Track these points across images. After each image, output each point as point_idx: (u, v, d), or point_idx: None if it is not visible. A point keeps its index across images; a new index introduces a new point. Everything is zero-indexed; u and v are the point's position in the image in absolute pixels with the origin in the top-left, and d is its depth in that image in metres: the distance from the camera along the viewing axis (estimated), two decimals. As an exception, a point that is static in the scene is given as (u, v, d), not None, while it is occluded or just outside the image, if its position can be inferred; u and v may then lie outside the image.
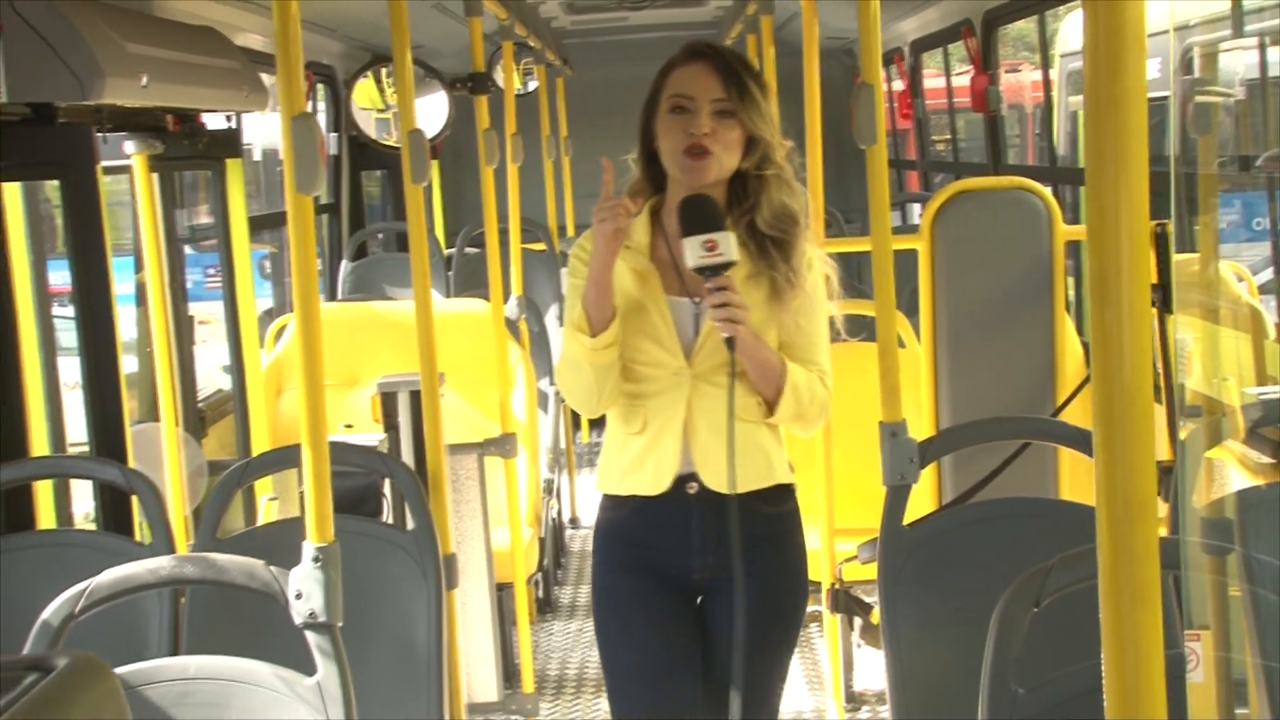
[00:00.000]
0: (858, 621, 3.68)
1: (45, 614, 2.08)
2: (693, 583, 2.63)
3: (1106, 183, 0.90)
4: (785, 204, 2.58)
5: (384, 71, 6.79)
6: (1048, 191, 3.91)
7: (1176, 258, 3.57)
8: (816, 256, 2.62)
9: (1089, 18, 0.91)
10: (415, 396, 3.67)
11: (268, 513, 4.11)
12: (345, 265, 7.23)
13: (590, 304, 2.53)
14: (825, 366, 2.61)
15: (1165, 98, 4.11)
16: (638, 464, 2.60)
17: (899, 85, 7.32)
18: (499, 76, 5.66)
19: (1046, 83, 5.94)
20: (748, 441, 2.52)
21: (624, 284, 2.57)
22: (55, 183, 3.55)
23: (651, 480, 2.58)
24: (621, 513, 2.65)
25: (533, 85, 7.72)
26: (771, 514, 2.61)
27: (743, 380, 2.51)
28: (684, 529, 2.59)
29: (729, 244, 2.41)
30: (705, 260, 2.39)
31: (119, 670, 2.10)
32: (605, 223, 2.46)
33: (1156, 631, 0.91)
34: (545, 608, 5.64)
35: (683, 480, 2.57)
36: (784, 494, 2.65)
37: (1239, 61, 3.65)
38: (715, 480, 2.53)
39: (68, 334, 3.67)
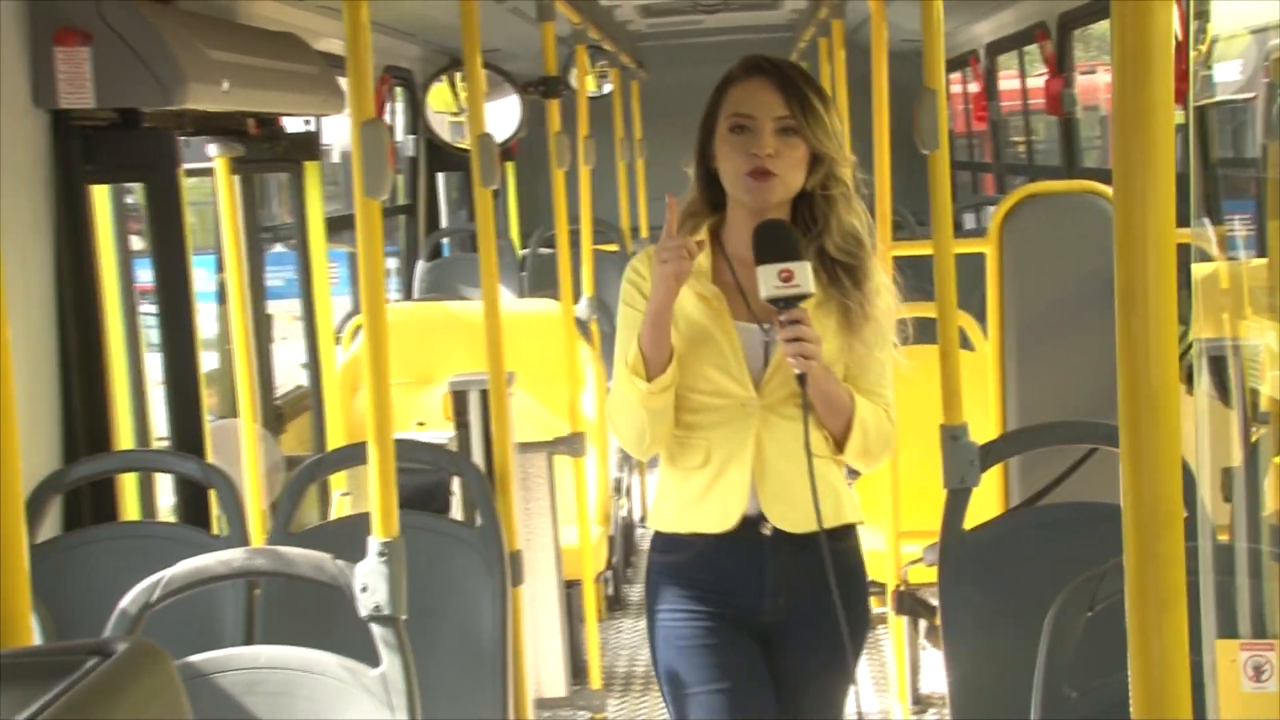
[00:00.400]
0: (923, 624, 3.67)
1: (123, 602, 2.12)
2: (761, 624, 2.45)
3: (1134, 193, 0.91)
4: (853, 225, 2.44)
5: (458, 75, 6.83)
6: (1106, 191, 3.86)
7: (1253, 263, 3.51)
8: (883, 281, 2.47)
9: (1116, 31, 0.91)
10: (485, 395, 3.71)
11: (340, 507, 4.17)
12: (421, 265, 7.30)
13: (647, 345, 2.38)
14: (890, 399, 2.47)
15: (1249, 99, 4.05)
16: (698, 500, 2.43)
17: (974, 88, 7.27)
18: (572, 79, 5.69)
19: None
20: (821, 479, 2.33)
21: (687, 309, 2.43)
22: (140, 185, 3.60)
23: (717, 518, 2.41)
24: (683, 554, 2.46)
25: (607, 88, 7.76)
26: (840, 549, 2.41)
27: (812, 415, 2.35)
28: (755, 570, 2.42)
29: (805, 274, 2.26)
30: (781, 291, 2.24)
31: (192, 658, 2.16)
32: (668, 264, 2.31)
33: (1182, 635, 0.92)
34: (614, 605, 5.66)
35: (751, 518, 2.41)
36: (850, 530, 2.50)
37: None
38: (784, 519, 2.39)
39: (155, 331, 3.74)
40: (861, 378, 2.43)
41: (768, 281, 2.25)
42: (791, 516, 2.37)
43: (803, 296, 2.26)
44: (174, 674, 0.85)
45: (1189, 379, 3.91)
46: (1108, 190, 3.88)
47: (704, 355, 2.41)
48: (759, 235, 2.31)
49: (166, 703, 0.84)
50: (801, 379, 2.26)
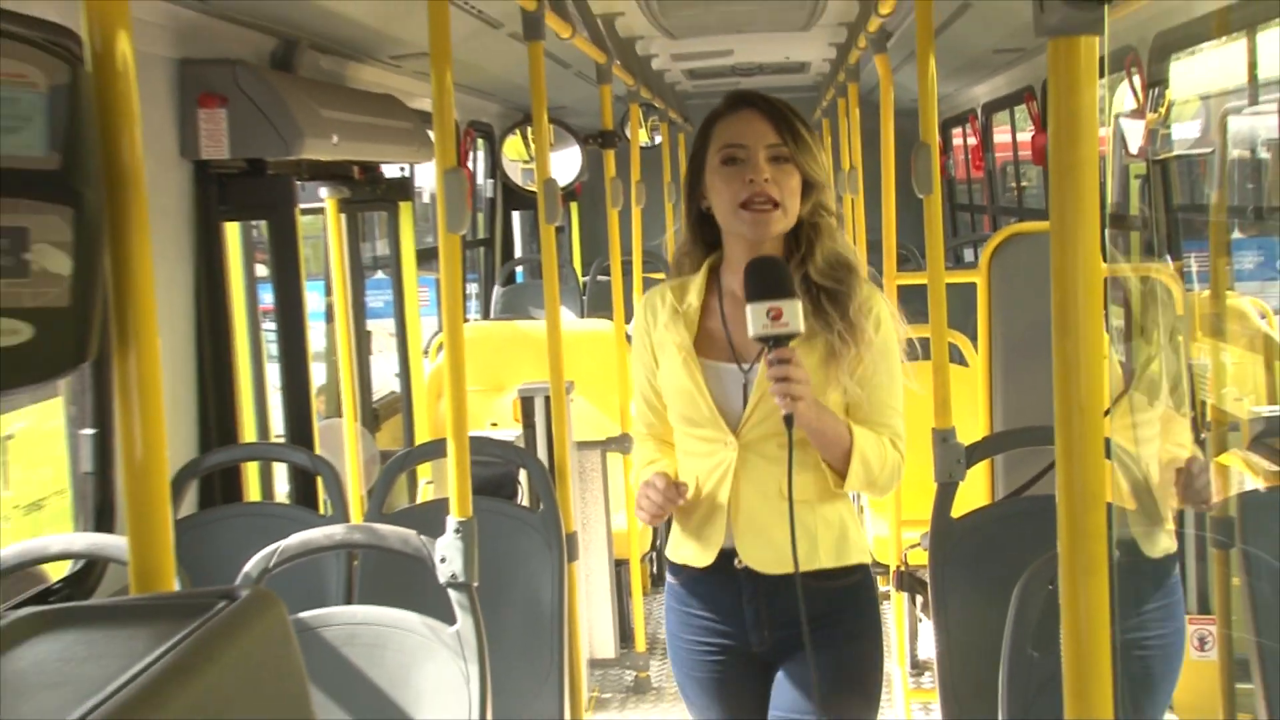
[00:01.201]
0: (919, 599, 3.67)
1: (246, 567, 2.15)
2: (755, 654, 2.18)
3: (1067, 234, 0.94)
4: (839, 251, 2.13)
5: (529, 129, 6.90)
6: None
7: (1204, 294, 3.52)
8: (886, 312, 2.15)
9: (1052, 102, 0.95)
10: (548, 401, 3.76)
11: (424, 493, 4.20)
12: (498, 290, 7.36)
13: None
14: (898, 428, 2.14)
15: (1207, 154, 4.04)
16: (693, 533, 2.17)
17: (974, 141, 7.24)
18: (627, 132, 5.74)
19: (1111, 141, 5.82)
20: (806, 521, 2.05)
21: (669, 356, 2.15)
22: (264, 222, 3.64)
23: (699, 552, 2.16)
24: (679, 579, 2.24)
25: (657, 140, 7.78)
26: (834, 588, 2.12)
27: (804, 451, 2.05)
28: (735, 605, 2.16)
29: (795, 313, 1.94)
30: (769, 330, 1.93)
31: (302, 615, 2.18)
32: (642, 512, 2.12)
33: (1103, 594, 0.95)
34: (657, 581, 5.64)
35: (728, 555, 2.13)
36: (855, 569, 2.16)
37: (1263, 124, 3.59)
38: (757, 559, 2.11)
39: (274, 345, 3.79)
40: (861, 408, 2.11)
41: (757, 320, 1.94)
42: (763, 558, 2.10)
43: (792, 335, 1.95)
44: (285, 615, 0.88)
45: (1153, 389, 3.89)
46: None
47: (684, 400, 2.15)
48: (750, 272, 2.00)
49: (279, 638, 0.87)
50: (788, 419, 1.95)
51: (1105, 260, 0.97)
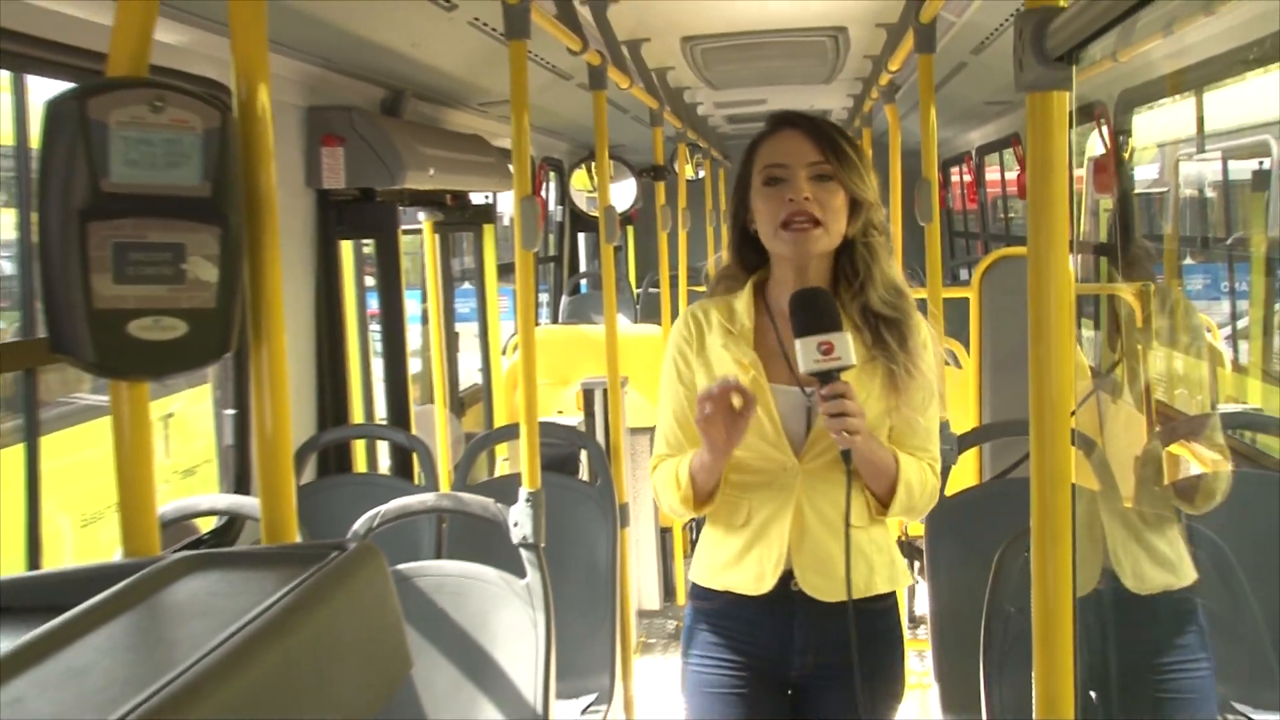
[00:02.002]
0: (916, 564, 3.64)
1: (355, 526, 2.18)
2: (789, 679, 1.82)
3: (1042, 257, 0.94)
4: (894, 276, 1.79)
5: (592, 163, 6.95)
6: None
7: (1155, 311, 3.54)
8: (930, 336, 1.81)
9: (1029, 146, 0.95)
10: (606, 393, 3.77)
11: (501, 468, 4.22)
12: (565, 299, 7.39)
13: (700, 482, 1.75)
14: (935, 453, 1.82)
15: (1163, 192, 4.05)
16: (736, 559, 1.79)
17: (969, 178, 7.19)
18: (675, 167, 5.74)
19: (1073, 178, 5.74)
20: (854, 547, 1.71)
21: (728, 373, 1.75)
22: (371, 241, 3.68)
23: (753, 580, 1.77)
24: (716, 605, 1.83)
25: (701, 174, 7.77)
26: (874, 612, 1.80)
27: (856, 478, 1.72)
28: (785, 631, 1.79)
29: (846, 346, 1.62)
30: (822, 365, 1.62)
31: (400, 566, 2.20)
32: (711, 428, 1.66)
33: (1068, 562, 0.95)
34: (695, 545, 5.64)
35: (785, 583, 1.77)
36: (887, 597, 1.83)
37: (1209, 168, 3.59)
38: (817, 588, 1.75)
39: (378, 343, 3.84)
40: (908, 436, 1.78)
41: (807, 355, 1.63)
42: (823, 586, 1.75)
43: (844, 369, 1.63)
44: (385, 564, 0.88)
45: (1116, 390, 3.87)
46: None
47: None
48: (796, 305, 1.67)
49: (379, 583, 0.87)
50: (846, 454, 1.66)
51: (1076, 280, 0.96)
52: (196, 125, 0.95)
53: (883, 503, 1.77)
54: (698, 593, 1.86)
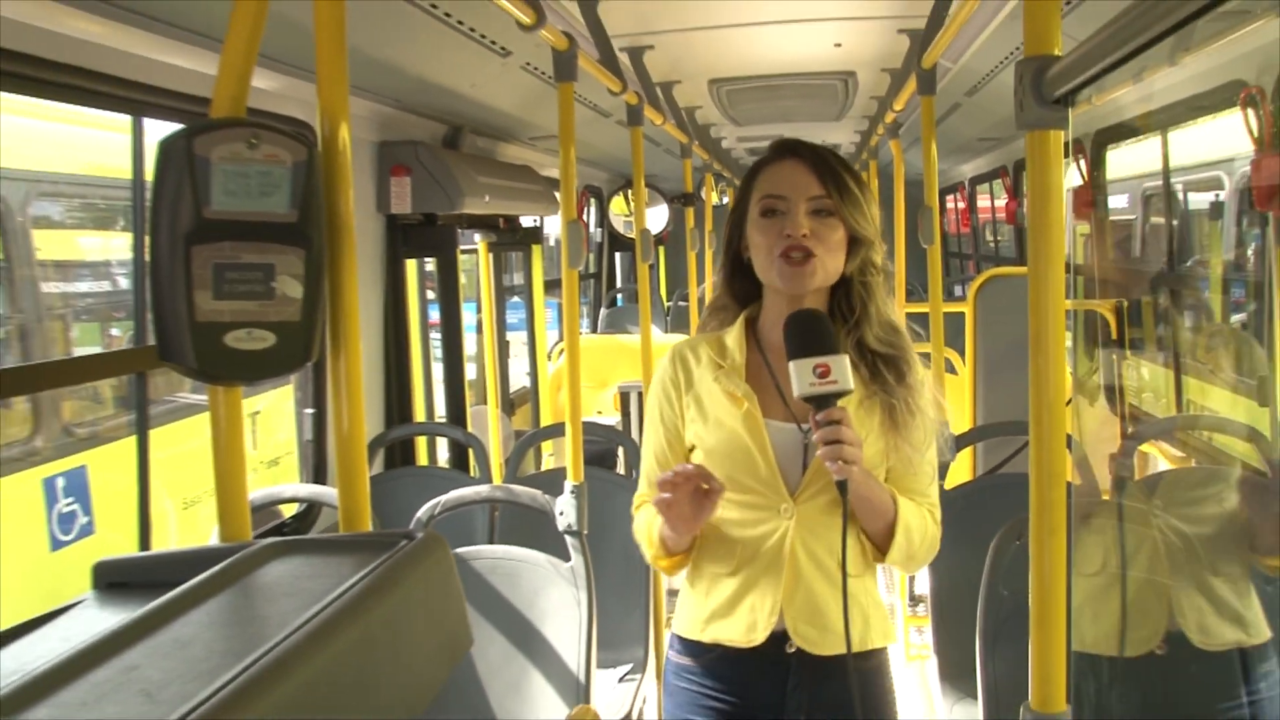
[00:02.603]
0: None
1: (418, 514, 2.16)
2: None
3: (1041, 276, 0.92)
4: (892, 314, 1.52)
5: (628, 191, 6.96)
6: None
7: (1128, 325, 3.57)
8: (924, 371, 1.53)
9: (1030, 179, 0.93)
10: (640, 395, 3.77)
11: (547, 463, 4.24)
12: (603, 312, 7.39)
13: (670, 545, 1.46)
14: (935, 499, 1.53)
15: (1130, 220, 4.08)
16: (726, 610, 1.47)
17: (962, 205, 7.15)
18: (702, 194, 5.73)
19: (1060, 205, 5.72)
20: (850, 597, 1.40)
21: (718, 411, 1.48)
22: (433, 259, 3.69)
23: (743, 631, 1.46)
24: (702, 660, 1.50)
25: (725, 200, 7.76)
26: (866, 668, 1.49)
27: (852, 522, 1.43)
28: (777, 690, 1.47)
29: (844, 369, 1.36)
30: (818, 388, 1.35)
31: (457, 550, 2.18)
32: (671, 511, 1.38)
33: (1063, 550, 0.93)
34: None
35: (777, 635, 1.46)
36: (876, 653, 1.52)
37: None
38: (810, 641, 1.45)
39: (438, 349, 3.85)
40: (907, 479, 1.49)
41: (802, 378, 1.36)
42: (817, 639, 1.45)
43: (841, 394, 1.36)
44: (449, 552, 0.89)
45: (1092, 396, 3.85)
46: None
47: (736, 460, 1.46)
48: (791, 327, 1.41)
49: (445, 568, 0.88)
50: (842, 486, 1.36)
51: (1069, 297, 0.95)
52: (286, 159, 0.95)
53: (880, 548, 1.47)
54: (680, 647, 1.52)
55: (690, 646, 1.51)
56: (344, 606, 0.74)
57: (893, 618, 4.00)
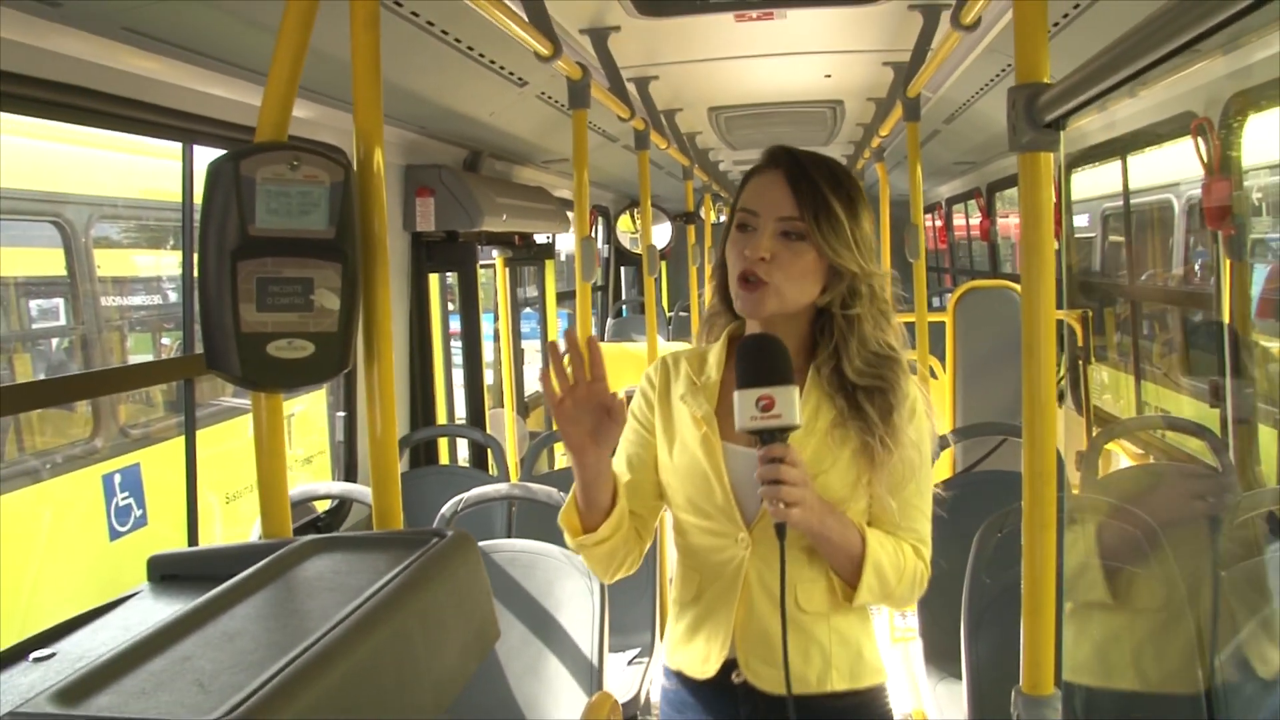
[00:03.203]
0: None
1: (442, 510, 2.15)
2: None
3: (1033, 287, 0.90)
4: (880, 344, 1.26)
5: (634, 210, 6.96)
6: (1019, 290, 3.86)
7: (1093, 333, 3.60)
8: (922, 405, 1.28)
9: (1022, 198, 0.92)
10: (645, 398, 3.74)
11: (561, 462, 4.21)
12: (610, 321, 7.39)
13: (581, 501, 1.25)
14: (923, 533, 1.29)
15: (1091, 237, 4.12)
16: (687, 638, 1.31)
17: (939, 223, 7.15)
18: (702, 213, 5.72)
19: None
20: (807, 636, 1.25)
21: (683, 431, 1.30)
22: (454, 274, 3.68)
23: (699, 661, 1.30)
24: (672, 686, 1.35)
25: (723, 218, 7.76)
26: (844, 707, 1.27)
27: (815, 559, 1.25)
28: None
29: (789, 403, 1.15)
30: (758, 423, 1.16)
31: (480, 544, 2.18)
32: (563, 416, 1.21)
33: (1052, 545, 0.91)
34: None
35: (729, 667, 1.28)
36: (865, 693, 1.28)
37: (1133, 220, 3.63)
38: (760, 676, 1.26)
39: (458, 356, 3.84)
40: (882, 515, 1.26)
41: (744, 410, 1.16)
42: (767, 675, 1.25)
43: (786, 429, 1.16)
44: (478, 550, 0.89)
45: (1061, 398, 3.89)
46: (1017, 286, 3.86)
47: (695, 484, 1.28)
48: (740, 353, 1.19)
49: (474, 564, 0.87)
50: (780, 530, 1.16)
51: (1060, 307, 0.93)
52: (325, 179, 0.94)
53: (850, 584, 1.24)
54: (664, 672, 1.38)
55: (666, 672, 1.37)
56: (381, 602, 0.72)
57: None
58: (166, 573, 0.85)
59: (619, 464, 1.35)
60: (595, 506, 1.25)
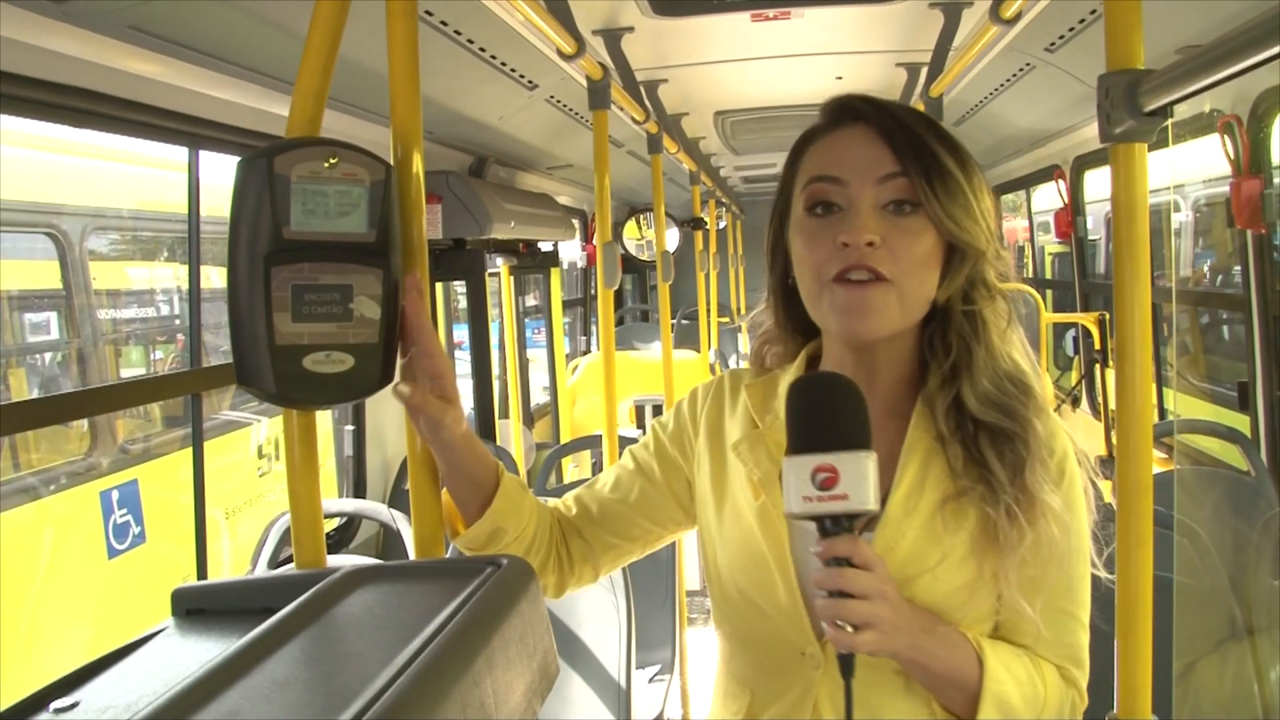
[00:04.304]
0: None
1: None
2: None
3: (1126, 289, 0.83)
4: (1012, 364, 0.89)
5: (639, 217, 6.93)
6: (1036, 293, 3.80)
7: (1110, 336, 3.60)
8: (1072, 457, 0.89)
9: (1115, 193, 0.85)
10: (658, 408, 3.69)
11: (569, 475, 4.17)
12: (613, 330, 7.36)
13: (447, 479, 0.92)
14: (1075, 647, 0.89)
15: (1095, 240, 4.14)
16: None
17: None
18: (707, 219, 5.68)
19: (1031, 229, 5.71)
20: None
21: (737, 494, 0.93)
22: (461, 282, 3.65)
23: None
24: None
25: (722, 224, 7.73)
26: None
27: (911, 687, 0.86)
28: None
29: (860, 476, 0.75)
30: (813, 507, 0.76)
31: None
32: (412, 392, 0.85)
33: (1149, 560, 0.84)
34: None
35: None
36: None
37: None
38: None
39: (466, 365, 3.78)
40: (1016, 623, 0.87)
41: (796, 485, 0.76)
42: None
43: (852, 515, 0.77)
44: (536, 577, 0.82)
45: (1076, 402, 3.83)
46: (1031, 289, 3.86)
47: (749, 571, 0.91)
48: (791, 401, 0.79)
49: (534, 598, 0.81)
50: (845, 661, 0.78)
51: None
52: (364, 178, 0.87)
53: None
54: None
55: None
56: (446, 644, 0.65)
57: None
58: (192, 606, 0.78)
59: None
60: (472, 498, 0.93)
